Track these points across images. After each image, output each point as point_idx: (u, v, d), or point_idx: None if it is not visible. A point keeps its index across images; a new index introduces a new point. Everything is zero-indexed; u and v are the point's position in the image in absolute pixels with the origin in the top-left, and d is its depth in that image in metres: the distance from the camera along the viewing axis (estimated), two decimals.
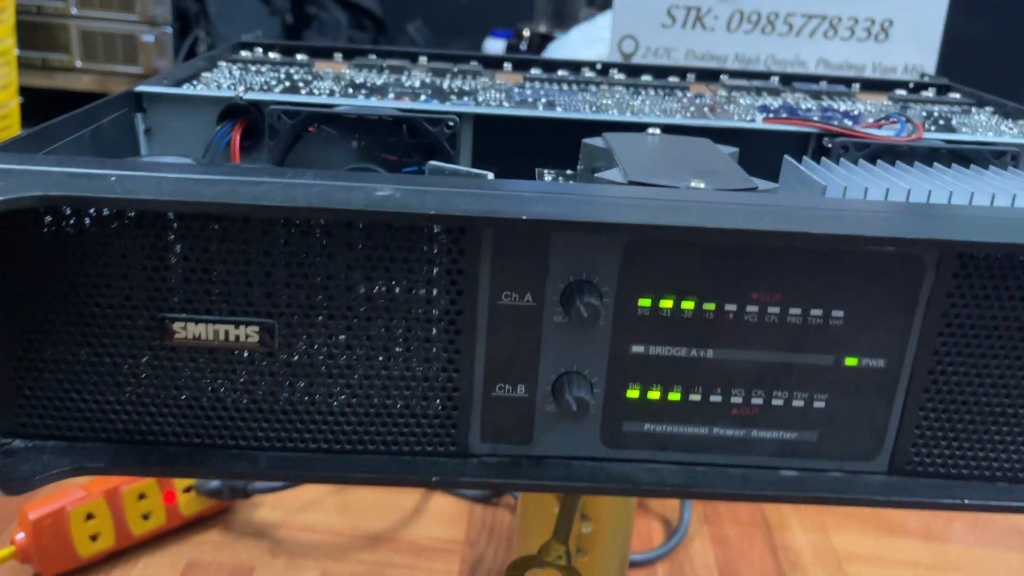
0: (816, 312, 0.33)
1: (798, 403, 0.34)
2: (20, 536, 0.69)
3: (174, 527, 0.75)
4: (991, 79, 0.62)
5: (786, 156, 0.44)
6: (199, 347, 0.32)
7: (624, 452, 0.35)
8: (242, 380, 0.33)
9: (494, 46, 1.74)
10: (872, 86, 0.64)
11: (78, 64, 1.72)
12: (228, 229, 0.31)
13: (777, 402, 0.34)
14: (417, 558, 0.75)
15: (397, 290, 0.32)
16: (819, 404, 0.34)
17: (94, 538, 0.71)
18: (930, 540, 0.83)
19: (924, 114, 0.56)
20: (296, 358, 0.33)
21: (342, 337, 0.32)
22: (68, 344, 0.32)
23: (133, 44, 1.69)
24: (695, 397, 0.34)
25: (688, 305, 0.33)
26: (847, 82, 0.64)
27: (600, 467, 0.34)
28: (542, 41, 1.63)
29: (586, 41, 1.14)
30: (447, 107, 0.46)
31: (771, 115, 0.52)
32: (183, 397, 0.33)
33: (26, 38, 1.64)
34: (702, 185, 0.35)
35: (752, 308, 0.33)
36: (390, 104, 0.47)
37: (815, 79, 0.65)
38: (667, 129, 0.46)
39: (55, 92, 1.70)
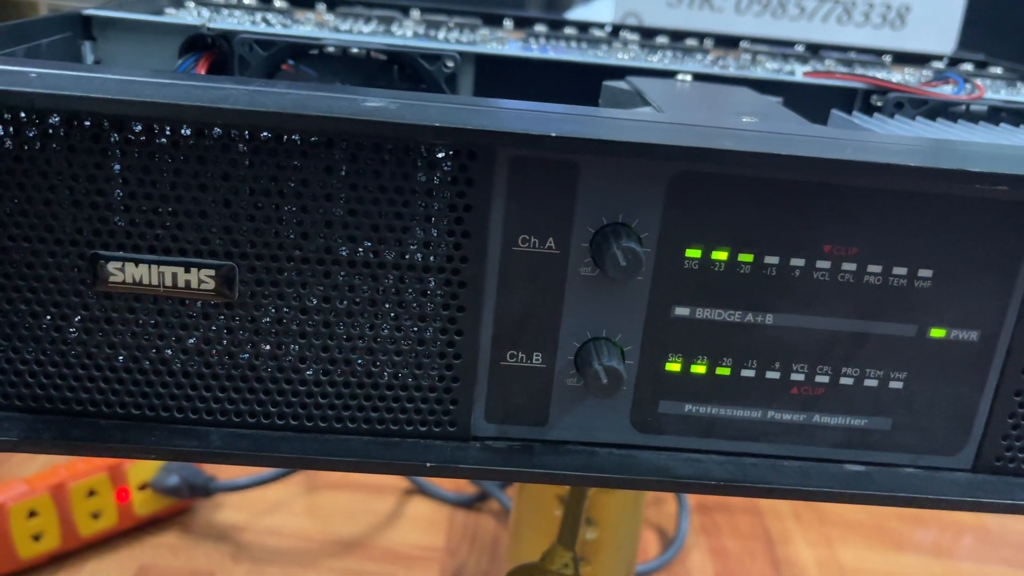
0: (899, 271, 0.28)
1: (871, 382, 0.29)
2: None
3: (127, 528, 0.70)
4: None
5: (834, 110, 0.38)
6: (140, 294, 0.27)
7: (660, 439, 0.30)
8: (193, 338, 0.28)
9: None
10: (903, 59, 0.59)
11: None
12: (178, 143, 0.25)
13: (846, 381, 0.29)
14: (392, 566, 0.71)
15: (387, 230, 0.26)
16: (896, 384, 0.29)
17: (37, 538, 0.65)
18: (940, 556, 0.80)
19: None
20: (260, 312, 0.27)
21: (318, 288, 0.27)
22: None
23: None
24: (748, 373, 0.29)
25: (746, 258, 0.28)
26: (877, 53, 0.59)
27: (630, 456, 0.30)
28: None
29: None
30: (447, 45, 0.40)
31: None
32: (119, 358, 0.28)
33: None
34: (756, 121, 0.30)
35: (823, 264, 0.28)
36: (381, 38, 0.41)
37: (844, 49, 0.59)
38: (698, 79, 0.40)
39: None
